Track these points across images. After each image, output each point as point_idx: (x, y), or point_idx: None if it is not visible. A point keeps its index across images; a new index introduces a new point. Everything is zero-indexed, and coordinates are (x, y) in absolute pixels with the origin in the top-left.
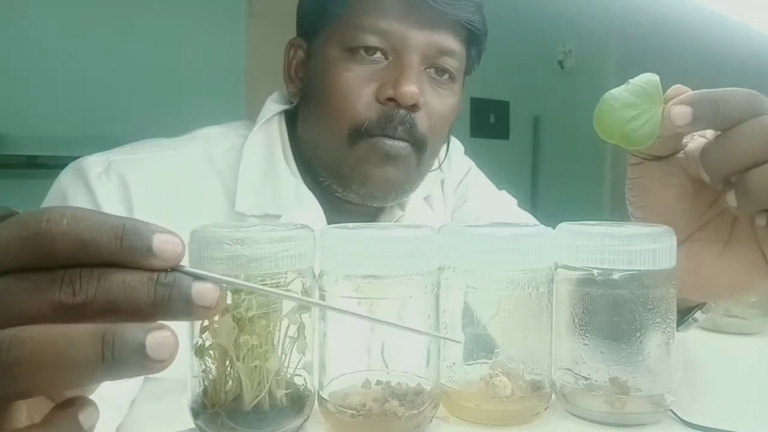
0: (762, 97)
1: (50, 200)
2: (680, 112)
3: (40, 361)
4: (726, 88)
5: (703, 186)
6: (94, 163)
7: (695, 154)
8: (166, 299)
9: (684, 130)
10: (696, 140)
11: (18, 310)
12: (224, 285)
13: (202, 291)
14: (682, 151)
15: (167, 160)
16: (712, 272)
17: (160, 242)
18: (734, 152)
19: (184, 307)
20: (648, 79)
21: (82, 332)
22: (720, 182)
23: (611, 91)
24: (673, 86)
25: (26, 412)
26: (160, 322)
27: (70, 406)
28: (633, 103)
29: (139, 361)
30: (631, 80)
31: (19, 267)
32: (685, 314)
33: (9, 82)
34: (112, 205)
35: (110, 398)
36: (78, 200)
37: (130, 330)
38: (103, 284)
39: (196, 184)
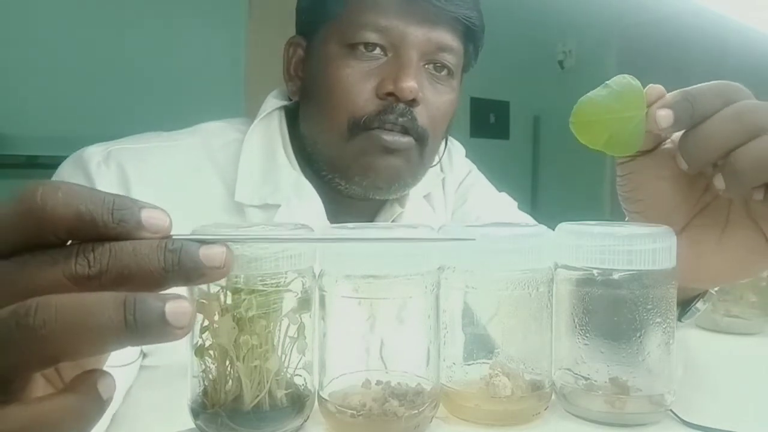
0: (735, 87)
1: None
2: (664, 115)
3: (65, 324)
4: (699, 85)
5: (696, 173)
6: (93, 153)
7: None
8: (176, 264)
9: (667, 132)
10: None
11: (37, 283)
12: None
13: (210, 252)
14: (670, 141)
15: (166, 151)
16: (712, 258)
17: (149, 216)
18: (710, 140)
19: (195, 270)
20: (628, 83)
21: (104, 298)
22: (698, 170)
23: (589, 95)
24: (649, 86)
25: (44, 386)
26: (176, 292)
27: (89, 375)
28: (616, 109)
29: (160, 326)
30: (608, 83)
31: (19, 241)
32: (686, 305)
33: (9, 82)
34: (110, 190)
35: None
36: None
37: (150, 297)
38: (115, 254)
39: (194, 175)
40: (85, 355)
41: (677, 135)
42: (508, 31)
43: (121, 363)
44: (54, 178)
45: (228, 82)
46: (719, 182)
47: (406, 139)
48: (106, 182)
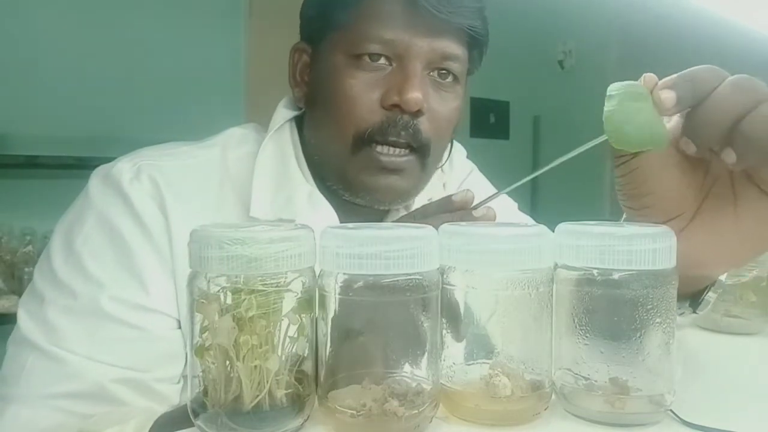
0: (719, 69)
1: (77, 208)
2: (667, 97)
3: None
4: (691, 68)
5: (695, 158)
6: (123, 170)
7: (677, 132)
8: None
9: (671, 113)
10: (673, 118)
11: None
12: None
13: None
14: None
15: (187, 168)
16: (730, 236)
17: None
18: (717, 113)
19: None
20: (627, 83)
21: None
22: (707, 149)
23: (610, 110)
24: (643, 75)
25: None
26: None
27: None
28: (638, 107)
29: None
30: (610, 93)
31: None
32: (696, 297)
33: (9, 82)
34: (145, 204)
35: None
36: (111, 206)
37: None
38: None
39: (213, 190)
40: None
41: (672, 125)
42: (508, 31)
43: (174, 381)
44: (83, 199)
45: (228, 82)
46: (729, 156)
47: (405, 158)
48: (141, 196)
